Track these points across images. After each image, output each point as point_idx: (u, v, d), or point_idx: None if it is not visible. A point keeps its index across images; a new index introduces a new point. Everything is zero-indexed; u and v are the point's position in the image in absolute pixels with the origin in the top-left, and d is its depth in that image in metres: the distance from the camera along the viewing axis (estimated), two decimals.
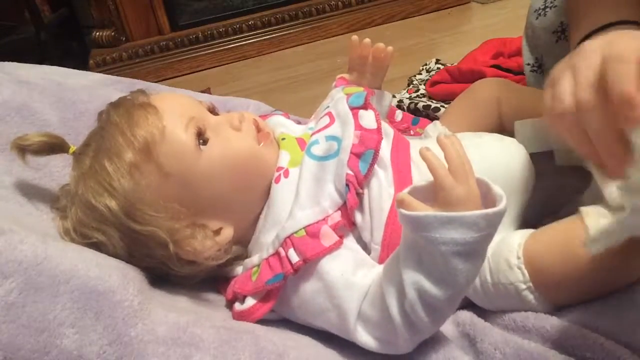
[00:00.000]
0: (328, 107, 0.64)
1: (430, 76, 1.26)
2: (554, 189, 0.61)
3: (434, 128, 0.77)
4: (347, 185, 0.54)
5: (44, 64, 0.80)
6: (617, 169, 0.39)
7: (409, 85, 1.27)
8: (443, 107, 1.08)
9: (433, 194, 0.44)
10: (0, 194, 0.54)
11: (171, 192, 0.54)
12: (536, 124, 0.61)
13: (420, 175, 0.57)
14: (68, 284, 0.42)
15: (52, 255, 0.43)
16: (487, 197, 0.44)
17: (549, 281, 0.51)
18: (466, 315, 0.55)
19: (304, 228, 0.52)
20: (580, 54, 0.42)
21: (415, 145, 0.63)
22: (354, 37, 0.73)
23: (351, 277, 0.50)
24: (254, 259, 0.56)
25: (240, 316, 0.54)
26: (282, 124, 0.68)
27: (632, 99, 0.36)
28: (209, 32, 1.74)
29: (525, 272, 0.52)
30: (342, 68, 0.76)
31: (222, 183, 0.56)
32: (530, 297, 0.52)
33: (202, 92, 1.11)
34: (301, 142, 0.62)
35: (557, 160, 0.60)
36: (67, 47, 1.87)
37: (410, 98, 1.17)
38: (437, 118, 0.84)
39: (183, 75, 1.71)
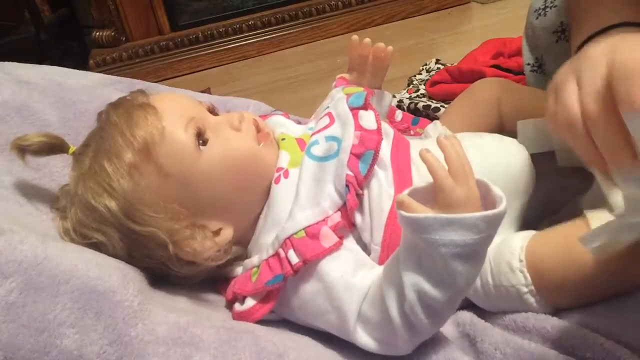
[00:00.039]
0: (328, 107, 0.64)
1: (430, 76, 1.26)
2: (555, 189, 0.61)
3: (434, 128, 0.77)
4: (347, 186, 0.54)
5: (44, 64, 0.80)
6: None
7: (409, 85, 1.27)
8: (443, 107, 1.08)
9: (433, 195, 0.44)
10: (0, 194, 0.54)
11: (171, 192, 0.54)
12: (538, 124, 0.61)
13: (420, 176, 0.57)
14: (68, 284, 0.42)
15: (52, 255, 0.43)
16: (487, 199, 0.44)
17: (551, 284, 0.51)
18: (466, 316, 0.55)
19: (303, 229, 0.52)
20: (584, 60, 0.42)
21: (415, 145, 0.63)
22: (354, 36, 0.73)
23: (351, 278, 0.50)
24: (254, 259, 0.56)
25: (240, 317, 0.54)
26: (282, 124, 0.68)
27: None
28: (209, 32, 1.74)
29: (528, 275, 0.52)
30: (342, 68, 0.76)
31: (221, 183, 0.56)
32: (532, 300, 0.52)
33: (202, 92, 1.11)
34: (301, 142, 0.62)
35: (559, 161, 0.60)
36: (67, 47, 1.87)
37: (410, 98, 1.17)
38: (437, 118, 0.84)
39: (183, 75, 1.71)
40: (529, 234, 0.55)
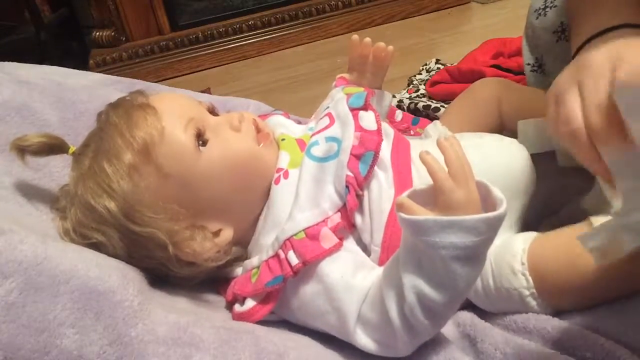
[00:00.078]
0: (328, 107, 0.64)
1: (430, 76, 1.26)
2: (555, 189, 0.61)
3: (434, 128, 0.77)
4: (346, 187, 0.54)
5: (44, 64, 0.80)
6: None
7: (409, 85, 1.27)
8: (443, 107, 1.08)
9: (433, 197, 0.44)
10: (0, 194, 0.54)
11: (170, 193, 0.54)
12: (539, 124, 0.61)
13: (420, 177, 0.57)
14: (68, 284, 0.42)
15: (52, 256, 0.43)
16: (487, 200, 0.44)
17: (553, 288, 0.51)
18: (467, 316, 0.55)
19: (303, 230, 0.52)
20: (585, 69, 0.41)
21: (415, 145, 0.63)
22: (354, 36, 0.72)
23: (351, 279, 0.50)
24: (254, 260, 0.56)
25: (240, 318, 0.54)
26: (282, 124, 0.67)
27: None
28: (209, 32, 1.74)
29: (530, 278, 0.52)
30: (342, 68, 0.76)
31: (221, 184, 0.56)
32: (533, 303, 0.52)
33: (202, 92, 1.12)
34: (301, 143, 0.62)
35: (560, 161, 0.60)
36: (67, 47, 1.87)
37: (410, 98, 1.16)
38: (437, 118, 0.84)
39: (183, 75, 1.71)
40: (531, 236, 0.55)
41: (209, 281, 0.59)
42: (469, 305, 0.57)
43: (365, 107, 0.61)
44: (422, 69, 1.33)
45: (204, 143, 0.56)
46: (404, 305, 0.45)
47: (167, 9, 1.73)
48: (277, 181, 0.58)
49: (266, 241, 0.55)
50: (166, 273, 0.54)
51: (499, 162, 0.60)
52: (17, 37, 1.76)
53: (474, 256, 0.43)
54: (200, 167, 0.55)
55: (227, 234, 0.57)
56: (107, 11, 1.68)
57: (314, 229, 0.52)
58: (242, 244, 0.59)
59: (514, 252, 0.53)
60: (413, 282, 0.44)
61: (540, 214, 0.62)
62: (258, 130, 0.60)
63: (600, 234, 0.42)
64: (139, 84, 0.83)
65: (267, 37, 1.78)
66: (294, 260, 0.51)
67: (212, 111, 0.61)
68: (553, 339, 0.49)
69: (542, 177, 0.61)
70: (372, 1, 1.84)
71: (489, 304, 0.55)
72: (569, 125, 0.42)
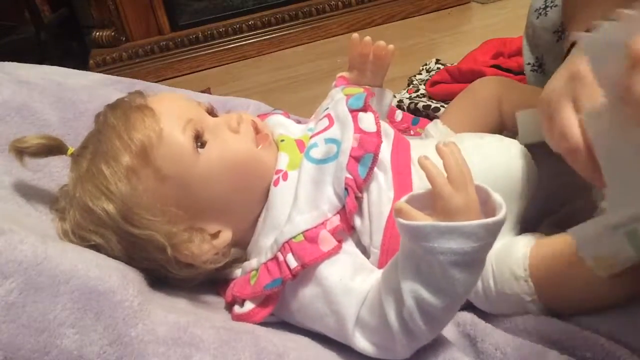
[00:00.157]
0: (327, 108, 0.64)
1: (430, 76, 1.25)
2: (555, 189, 0.61)
3: (435, 127, 0.77)
4: (346, 189, 0.54)
5: (44, 64, 0.80)
6: None
7: (409, 85, 1.27)
8: (443, 107, 1.08)
9: (432, 202, 0.44)
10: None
11: (169, 195, 0.53)
12: (537, 114, 0.61)
13: (420, 178, 0.56)
14: (68, 284, 0.42)
15: (52, 256, 0.43)
16: (486, 205, 0.44)
17: (555, 294, 0.51)
18: (467, 316, 0.55)
19: (302, 233, 0.52)
20: (578, 81, 0.41)
21: (415, 145, 0.63)
22: (355, 35, 0.72)
23: (350, 282, 0.50)
24: (253, 262, 0.56)
25: (239, 319, 0.54)
26: (282, 124, 0.67)
27: None
28: (209, 32, 1.74)
29: (532, 284, 0.51)
30: (342, 68, 0.76)
31: (220, 186, 0.56)
32: (534, 308, 0.52)
33: (202, 92, 1.11)
34: (300, 143, 0.62)
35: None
36: (67, 47, 1.87)
37: (410, 98, 1.16)
38: (437, 118, 0.84)
39: (183, 75, 1.71)
40: (532, 239, 0.54)
41: (209, 282, 0.59)
42: (469, 306, 0.57)
43: (364, 109, 0.61)
44: (422, 69, 1.33)
45: (203, 145, 0.56)
46: (402, 310, 0.45)
47: (167, 9, 1.73)
48: (276, 183, 0.58)
49: (265, 243, 0.55)
50: (165, 274, 0.54)
51: (500, 162, 0.60)
52: (17, 37, 1.76)
53: (473, 262, 0.43)
54: (199, 169, 0.55)
55: (226, 236, 0.56)
56: (107, 11, 1.68)
57: (312, 231, 0.52)
58: (241, 246, 0.59)
59: (515, 257, 0.53)
60: (412, 287, 0.44)
61: (541, 214, 0.62)
62: (257, 131, 0.60)
63: (589, 231, 0.42)
64: (139, 84, 0.83)
65: (267, 37, 1.78)
66: (292, 263, 0.51)
67: (211, 112, 0.61)
68: (553, 339, 0.49)
69: (542, 176, 0.61)
70: (372, 1, 1.84)
71: (489, 305, 0.55)
72: (566, 141, 0.42)
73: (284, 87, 1.52)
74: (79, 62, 1.68)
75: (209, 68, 1.73)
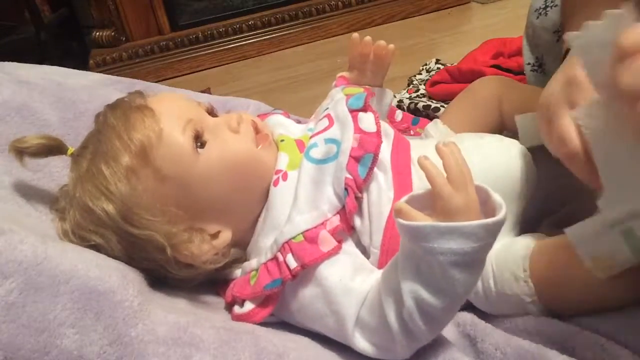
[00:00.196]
0: (327, 108, 0.64)
1: (430, 76, 1.25)
2: (555, 189, 0.61)
3: (435, 127, 0.77)
4: (345, 189, 0.54)
5: (44, 64, 0.80)
6: None
7: (409, 85, 1.27)
8: (443, 107, 1.08)
9: (431, 202, 0.44)
10: None
11: (168, 195, 0.53)
12: (537, 117, 0.61)
13: (420, 178, 0.56)
14: (68, 284, 0.42)
15: (52, 256, 0.43)
16: (486, 205, 0.44)
17: (555, 295, 0.51)
18: (467, 316, 0.55)
19: (302, 233, 0.52)
20: (575, 86, 0.41)
21: (415, 145, 0.63)
22: (355, 34, 0.72)
23: (349, 282, 0.50)
24: (253, 262, 0.56)
25: (239, 319, 0.54)
26: (282, 124, 0.67)
27: None
28: (209, 32, 1.74)
29: (532, 285, 0.51)
30: (342, 68, 0.76)
31: (220, 186, 0.56)
32: (535, 309, 0.52)
33: (202, 92, 1.11)
34: (300, 144, 0.62)
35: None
36: (67, 47, 1.87)
37: (410, 98, 1.16)
38: (437, 118, 0.84)
39: (183, 75, 1.71)
40: (533, 240, 0.54)
41: (209, 283, 0.59)
42: (469, 306, 0.57)
43: (364, 109, 0.61)
44: (422, 69, 1.33)
45: (202, 145, 0.56)
46: (402, 310, 0.45)
47: (167, 9, 1.73)
48: (276, 183, 0.58)
49: (265, 243, 0.55)
50: (165, 275, 0.54)
51: (500, 162, 0.60)
52: (17, 37, 1.76)
53: (473, 262, 0.43)
54: (199, 169, 0.55)
55: (226, 236, 0.56)
56: (107, 11, 1.68)
57: (312, 232, 0.52)
58: (241, 246, 0.59)
59: (515, 257, 0.53)
60: (411, 288, 0.44)
61: (540, 214, 0.61)
62: (257, 131, 0.60)
63: (586, 230, 0.42)
64: (139, 84, 0.83)
65: (267, 37, 1.78)
66: (292, 263, 0.51)
67: (211, 112, 0.61)
68: (553, 340, 0.49)
69: (542, 177, 0.61)
70: (372, 1, 1.84)
71: (489, 306, 0.55)
72: (564, 146, 0.42)
73: (284, 87, 1.52)
74: (79, 62, 1.68)
75: (209, 68, 1.73)
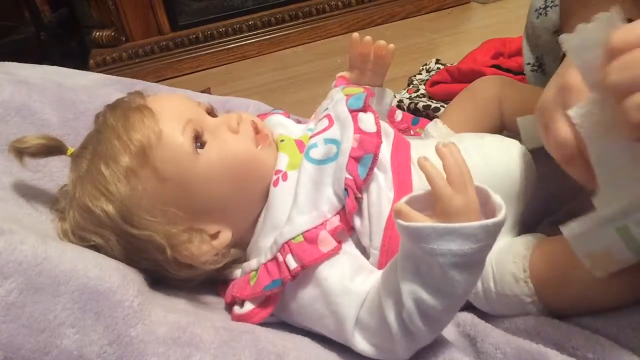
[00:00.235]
0: (327, 108, 0.64)
1: (430, 76, 1.25)
2: (555, 189, 0.61)
3: (435, 127, 0.77)
4: (345, 189, 0.54)
5: (44, 64, 0.80)
6: None
7: (409, 85, 1.27)
8: (443, 107, 1.08)
9: (431, 203, 0.44)
10: None
11: (168, 196, 0.53)
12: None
13: (420, 178, 0.56)
14: (68, 284, 0.42)
15: (52, 256, 0.43)
16: (486, 206, 0.44)
17: (555, 295, 0.51)
18: (467, 316, 0.55)
19: (302, 234, 0.52)
20: (569, 91, 0.42)
21: (415, 146, 0.63)
22: (355, 34, 0.72)
23: (349, 283, 0.50)
24: (252, 263, 0.56)
25: (239, 320, 0.54)
26: (282, 124, 0.67)
27: None
28: (209, 32, 1.74)
29: (532, 286, 0.51)
30: (342, 68, 0.76)
31: (219, 186, 0.56)
32: (535, 309, 0.52)
33: (202, 92, 1.11)
34: (300, 144, 0.62)
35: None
36: (67, 47, 1.86)
37: (410, 98, 1.16)
38: (437, 118, 0.84)
39: (183, 75, 1.71)
40: (532, 240, 0.54)
41: (208, 283, 0.59)
42: (469, 306, 0.57)
43: (364, 109, 0.61)
44: (422, 69, 1.33)
45: (202, 145, 0.56)
46: (402, 312, 0.45)
47: (167, 9, 1.73)
48: (276, 183, 0.58)
49: (265, 244, 0.55)
50: (165, 275, 0.54)
51: (500, 162, 0.60)
52: (17, 37, 1.75)
53: (473, 263, 0.43)
54: (198, 170, 0.55)
55: (225, 236, 0.56)
56: (107, 11, 1.68)
57: (312, 232, 0.52)
58: (241, 246, 0.59)
59: (515, 258, 0.53)
60: (411, 289, 0.44)
61: (540, 214, 0.61)
62: (257, 131, 0.60)
63: (582, 228, 0.42)
64: (139, 84, 0.83)
65: (267, 37, 1.78)
66: (292, 264, 0.51)
67: (211, 112, 0.61)
68: (553, 340, 0.49)
69: (542, 177, 0.61)
70: (372, 1, 1.84)
71: (489, 307, 0.55)
72: (560, 150, 0.42)
73: (284, 87, 1.52)
74: (79, 62, 1.68)
75: (209, 68, 1.73)
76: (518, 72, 1.09)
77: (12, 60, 0.75)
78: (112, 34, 1.70)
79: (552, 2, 0.80)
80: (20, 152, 0.53)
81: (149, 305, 0.46)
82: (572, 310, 0.52)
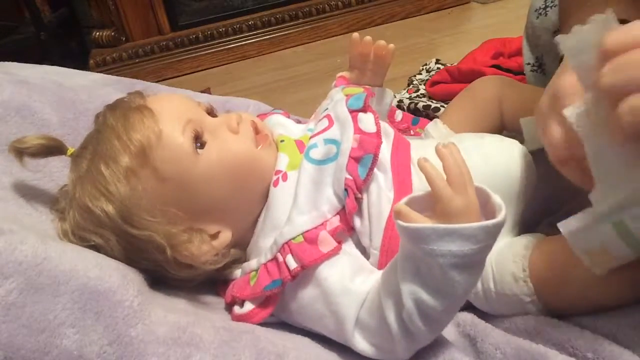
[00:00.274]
0: (327, 108, 0.64)
1: (430, 76, 1.25)
2: (555, 189, 0.61)
3: (435, 127, 0.77)
4: (345, 189, 0.54)
5: (44, 64, 0.80)
6: None
7: (409, 85, 1.27)
8: (443, 107, 1.08)
9: (431, 203, 0.44)
10: None
11: (168, 196, 0.53)
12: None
13: (420, 179, 0.56)
14: (68, 284, 0.42)
15: (52, 256, 0.43)
16: (486, 207, 0.44)
17: (555, 294, 0.51)
18: (467, 316, 0.55)
19: (302, 234, 0.52)
20: (561, 97, 0.43)
21: (415, 146, 0.63)
22: (355, 34, 0.72)
23: (349, 283, 0.50)
24: (252, 263, 0.56)
25: (239, 320, 0.54)
26: (281, 124, 0.67)
27: None
28: (209, 32, 1.74)
29: (531, 285, 0.51)
30: (342, 68, 0.76)
31: (219, 186, 0.56)
32: (534, 309, 0.52)
33: (202, 92, 1.11)
34: (300, 144, 0.62)
35: None
36: (67, 47, 1.86)
37: (410, 98, 1.16)
38: (437, 118, 0.84)
39: (183, 75, 1.71)
40: (532, 240, 0.54)
41: (208, 283, 0.59)
42: (469, 306, 0.57)
43: (364, 109, 0.61)
44: (422, 69, 1.33)
45: (202, 145, 0.56)
46: (402, 312, 0.45)
47: (167, 9, 1.73)
48: (276, 183, 0.58)
49: (265, 244, 0.55)
50: (165, 275, 0.54)
51: (500, 162, 0.60)
52: (17, 37, 1.75)
53: (473, 263, 0.43)
54: (198, 170, 0.55)
55: (226, 236, 0.56)
56: (107, 11, 1.68)
57: (312, 232, 0.52)
58: (241, 247, 0.59)
59: (515, 257, 0.53)
60: (411, 289, 0.44)
61: (540, 214, 0.61)
62: (257, 131, 0.60)
63: (579, 224, 0.42)
64: (139, 84, 0.83)
65: (267, 37, 1.78)
66: (292, 264, 0.51)
67: (211, 112, 0.61)
68: (553, 340, 0.49)
69: (541, 177, 0.61)
70: (372, 1, 1.84)
71: (489, 307, 0.55)
72: (555, 152, 0.42)
73: (284, 87, 1.52)
74: (79, 62, 1.68)
75: (209, 68, 1.73)
76: (518, 72, 1.09)
77: (12, 60, 0.75)
78: (112, 34, 1.70)
79: (552, 2, 0.80)
80: (20, 152, 0.53)
81: (149, 305, 0.46)
82: (572, 309, 0.52)
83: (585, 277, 0.47)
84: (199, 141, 0.56)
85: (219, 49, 1.75)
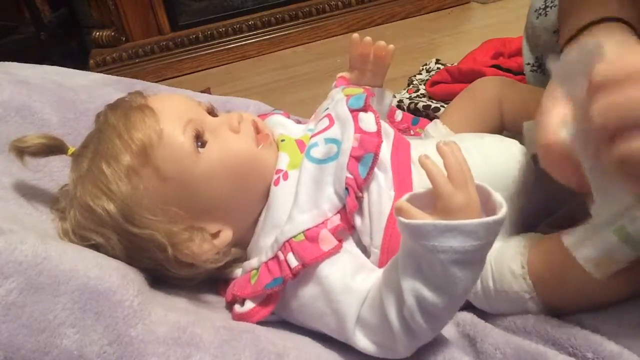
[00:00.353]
0: (327, 108, 0.64)
1: (430, 76, 1.26)
2: (554, 189, 0.61)
3: (435, 127, 0.77)
4: (346, 188, 0.54)
5: (44, 64, 0.80)
6: None
7: (409, 85, 1.27)
8: (443, 107, 1.08)
9: (432, 201, 0.44)
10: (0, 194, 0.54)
11: (169, 195, 0.54)
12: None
13: (421, 178, 0.56)
14: (68, 284, 0.42)
15: (52, 256, 0.43)
16: (487, 205, 0.44)
17: (554, 292, 0.51)
18: (466, 316, 0.55)
19: (303, 232, 0.52)
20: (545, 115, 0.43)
21: (415, 145, 0.63)
22: (355, 35, 0.72)
23: (350, 281, 0.50)
24: (253, 262, 0.56)
25: (239, 318, 0.54)
26: (282, 124, 0.67)
27: None
28: (209, 32, 1.74)
29: (530, 282, 0.51)
30: (342, 68, 0.76)
31: (220, 185, 0.56)
32: (534, 306, 0.52)
33: (202, 92, 1.11)
34: (300, 144, 0.62)
35: None
36: (67, 47, 1.86)
37: (410, 98, 1.16)
38: (437, 118, 0.84)
39: (183, 75, 1.71)
40: (531, 238, 0.54)
41: (209, 282, 0.59)
42: (469, 306, 0.57)
43: (365, 109, 0.61)
44: (422, 69, 1.33)
45: (203, 144, 0.56)
46: (403, 309, 0.45)
47: (167, 9, 1.73)
48: (277, 182, 0.58)
49: (265, 242, 0.55)
50: (165, 274, 0.54)
51: (500, 162, 0.60)
52: (17, 37, 1.75)
53: (473, 260, 0.43)
54: (199, 169, 0.55)
55: (226, 235, 0.56)
56: (107, 11, 1.68)
57: (313, 230, 0.52)
58: (242, 245, 0.59)
59: (514, 255, 0.53)
60: (412, 286, 0.44)
61: (539, 214, 0.62)
62: (257, 131, 0.60)
63: (581, 236, 0.42)
64: (139, 84, 0.83)
65: (267, 37, 1.78)
66: (293, 262, 0.51)
67: (212, 112, 0.61)
68: (553, 339, 0.49)
69: (541, 177, 0.61)
70: (372, 1, 1.84)
71: (488, 305, 0.55)
72: (551, 154, 0.43)
73: (284, 87, 1.52)
74: (79, 62, 1.68)
75: (209, 68, 1.73)
76: (518, 72, 1.09)
77: (12, 60, 0.75)
78: (112, 34, 1.70)
79: (552, 2, 0.80)
80: (21, 151, 0.53)
81: (149, 305, 0.46)
82: (571, 306, 0.52)
83: (583, 276, 0.47)
84: (199, 140, 0.56)
85: (219, 49, 1.75)
